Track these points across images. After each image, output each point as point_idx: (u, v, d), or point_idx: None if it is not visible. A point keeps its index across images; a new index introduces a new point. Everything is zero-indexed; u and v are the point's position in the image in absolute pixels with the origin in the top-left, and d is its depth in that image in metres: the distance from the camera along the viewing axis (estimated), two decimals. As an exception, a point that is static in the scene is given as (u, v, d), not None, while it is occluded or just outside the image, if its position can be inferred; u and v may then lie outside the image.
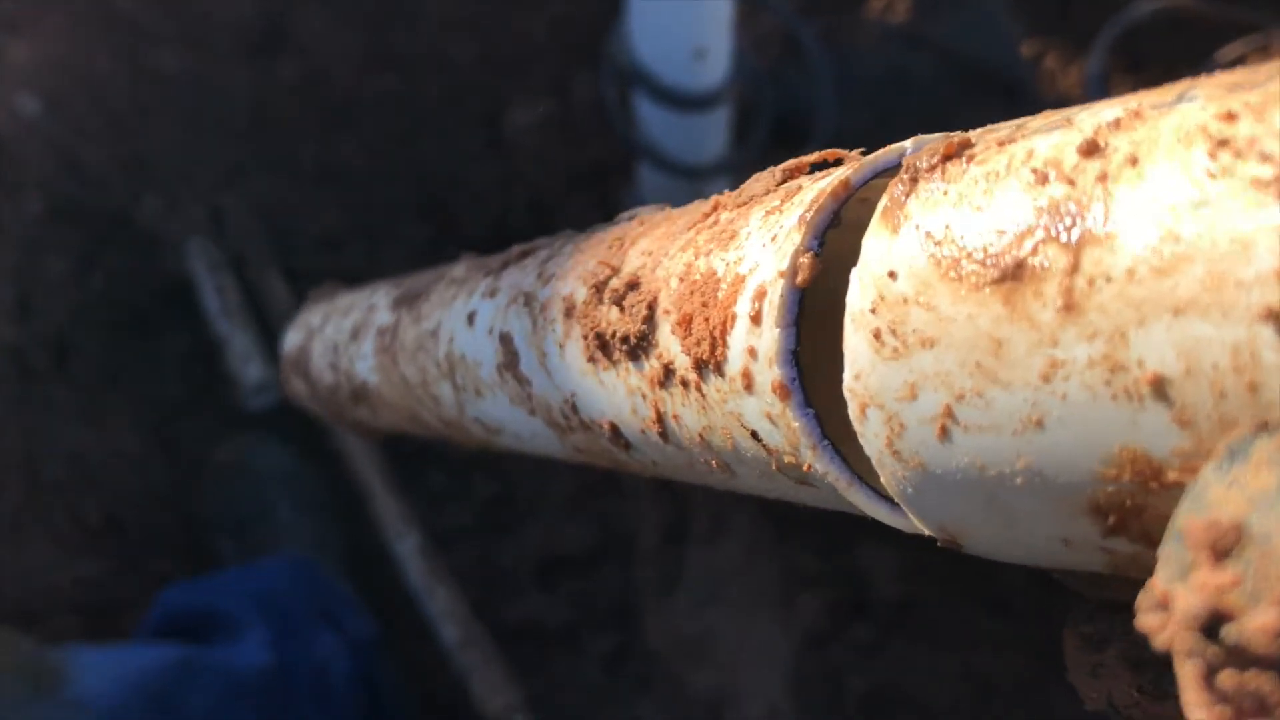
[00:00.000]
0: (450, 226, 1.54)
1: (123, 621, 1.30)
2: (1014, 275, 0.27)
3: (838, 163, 0.40)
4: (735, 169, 1.30)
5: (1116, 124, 0.26)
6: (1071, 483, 0.27)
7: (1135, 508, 0.26)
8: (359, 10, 1.61)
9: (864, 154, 0.37)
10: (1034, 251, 0.26)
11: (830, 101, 1.27)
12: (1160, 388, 0.24)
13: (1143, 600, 0.24)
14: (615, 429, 0.47)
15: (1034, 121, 0.29)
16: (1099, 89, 1.47)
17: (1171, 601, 0.24)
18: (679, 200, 1.35)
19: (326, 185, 1.55)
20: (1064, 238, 0.26)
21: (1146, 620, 0.24)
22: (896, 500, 0.34)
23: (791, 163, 0.42)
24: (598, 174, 1.55)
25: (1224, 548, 0.23)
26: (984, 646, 1.37)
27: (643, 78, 1.17)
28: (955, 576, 1.39)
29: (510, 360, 0.55)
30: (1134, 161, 0.25)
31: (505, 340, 0.55)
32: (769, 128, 1.29)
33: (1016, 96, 1.47)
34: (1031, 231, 0.27)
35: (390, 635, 1.32)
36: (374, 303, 0.82)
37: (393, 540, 1.36)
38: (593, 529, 1.45)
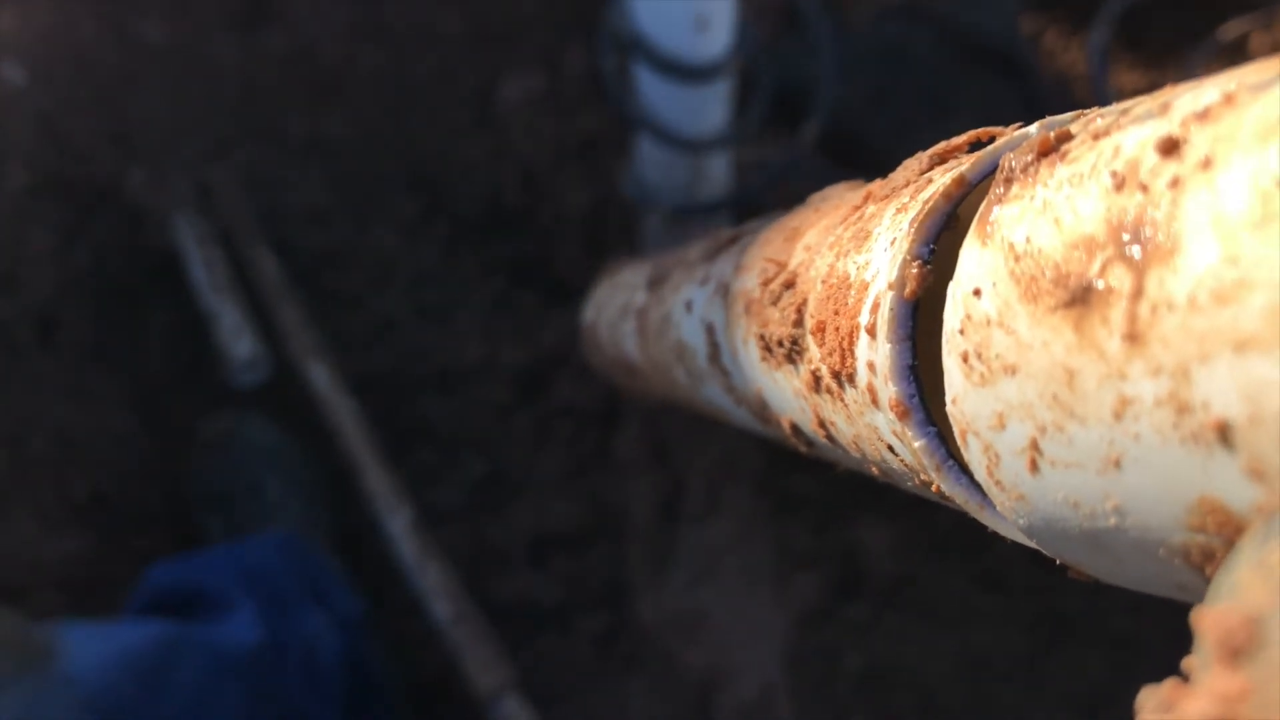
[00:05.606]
0: (441, 201, 1.53)
1: (108, 598, 1.29)
2: (1083, 299, 0.23)
3: (991, 141, 0.34)
4: (736, 142, 1.29)
5: (1205, 114, 0.21)
6: (1161, 528, 0.23)
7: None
8: (347, -20, 1.59)
9: (1020, 129, 0.32)
10: (1102, 271, 0.23)
11: (833, 75, 1.26)
12: (1226, 435, 0.20)
13: (1145, 697, 0.21)
14: (795, 427, 0.45)
15: (1139, 105, 0.25)
16: (1101, 64, 1.46)
17: (1176, 705, 0.20)
18: (676, 174, 1.33)
19: (315, 159, 1.53)
20: (1131, 256, 0.22)
21: None
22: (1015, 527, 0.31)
23: (940, 146, 0.36)
24: (590, 147, 1.53)
25: (1235, 646, 0.19)
26: (979, 623, 1.38)
27: (643, 48, 1.15)
28: (950, 553, 1.38)
29: (714, 352, 0.53)
30: (1207, 164, 0.20)
31: (710, 331, 0.53)
32: (770, 101, 1.27)
33: (1016, 72, 1.46)
34: (1103, 247, 0.23)
35: (380, 612, 1.31)
36: (635, 281, 0.81)
37: (384, 516, 1.34)
38: (585, 506, 1.44)
